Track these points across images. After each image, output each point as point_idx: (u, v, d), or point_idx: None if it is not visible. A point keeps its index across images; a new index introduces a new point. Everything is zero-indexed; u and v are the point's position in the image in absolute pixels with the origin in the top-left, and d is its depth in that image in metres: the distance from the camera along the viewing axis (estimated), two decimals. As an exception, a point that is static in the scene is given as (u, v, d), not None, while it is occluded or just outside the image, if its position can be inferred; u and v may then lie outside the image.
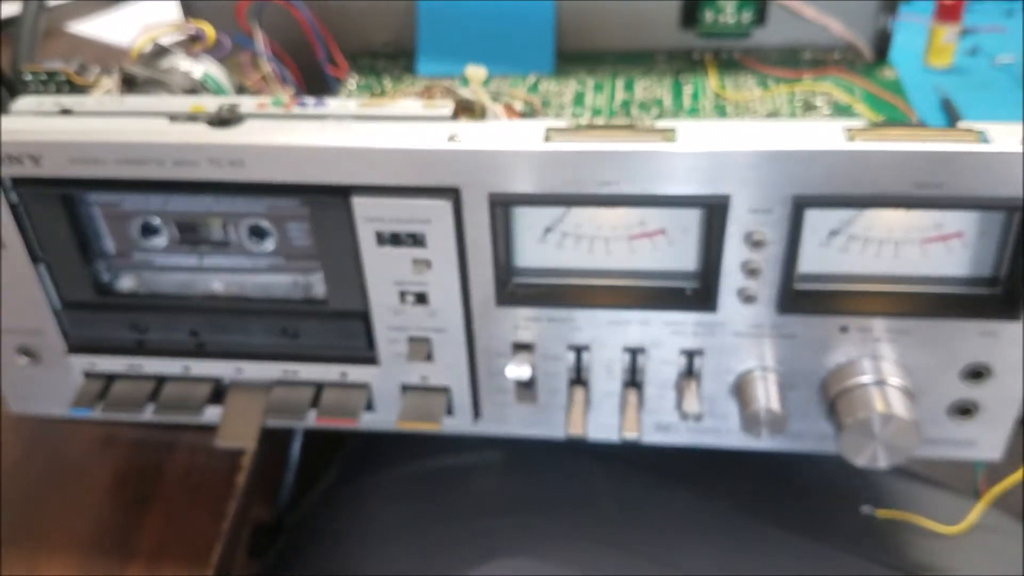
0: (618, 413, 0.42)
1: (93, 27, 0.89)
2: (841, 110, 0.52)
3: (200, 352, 0.42)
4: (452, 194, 0.36)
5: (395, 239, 0.37)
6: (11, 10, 0.86)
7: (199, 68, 0.46)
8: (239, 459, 0.44)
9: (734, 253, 0.37)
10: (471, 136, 0.36)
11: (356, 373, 0.42)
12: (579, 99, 0.57)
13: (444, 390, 0.42)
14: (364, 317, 0.40)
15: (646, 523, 0.44)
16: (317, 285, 0.41)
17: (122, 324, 0.42)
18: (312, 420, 0.42)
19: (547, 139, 0.36)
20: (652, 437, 0.43)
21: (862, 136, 0.36)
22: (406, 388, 0.42)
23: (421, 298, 0.39)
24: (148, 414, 0.42)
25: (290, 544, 0.49)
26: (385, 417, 0.43)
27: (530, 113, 0.56)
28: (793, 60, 0.57)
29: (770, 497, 0.46)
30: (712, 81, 0.57)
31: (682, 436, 0.43)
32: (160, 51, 0.47)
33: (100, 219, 0.41)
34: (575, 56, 0.59)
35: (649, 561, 0.43)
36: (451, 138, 0.36)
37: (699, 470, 0.46)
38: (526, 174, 0.35)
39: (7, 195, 0.38)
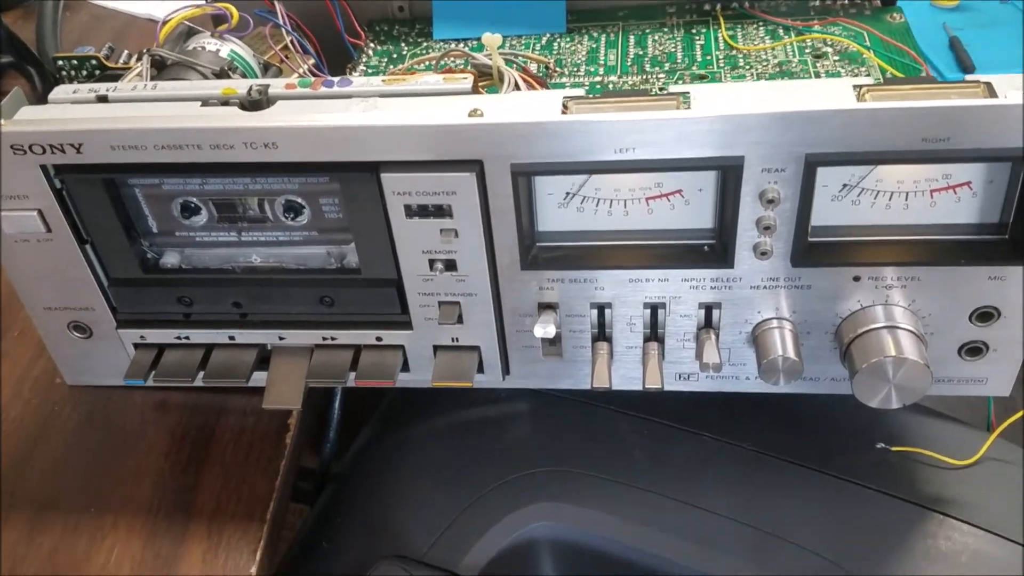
0: (640, 365, 0.44)
1: (112, -2, 0.90)
2: (850, 58, 0.53)
3: (244, 322, 0.45)
4: (476, 166, 0.38)
5: (423, 211, 0.39)
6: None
7: (225, 48, 0.47)
8: (287, 419, 0.46)
9: (749, 211, 0.38)
10: (492, 110, 0.37)
11: (391, 337, 0.44)
12: (592, 57, 0.58)
13: (474, 349, 0.44)
14: (397, 284, 0.42)
15: (673, 468, 0.47)
16: (350, 255, 0.43)
17: (168, 299, 0.44)
18: (351, 381, 0.45)
19: (564, 109, 0.38)
20: (674, 386, 0.45)
21: (872, 94, 0.37)
22: (438, 348, 0.45)
23: (450, 265, 0.41)
24: (198, 381, 0.45)
25: (334, 493, 0.52)
26: (420, 376, 0.45)
27: (545, 74, 0.57)
28: (802, 8, 0.57)
29: (789, 438, 0.48)
30: (722, 33, 0.58)
31: (702, 384, 0.45)
32: (186, 32, 0.49)
33: (142, 201, 0.43)
34: (587, 13, 0.60)
35: (679, 502, 0.45)
36: (472, 112, 0.37)
37: (720, 416, 0.48)
38: (546, 144, 0.37)
39: (51, 182, 0.40)
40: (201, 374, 0.45)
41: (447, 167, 0.38)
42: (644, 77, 0.55)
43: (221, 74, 0.45)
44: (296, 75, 0.41)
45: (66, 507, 0.43)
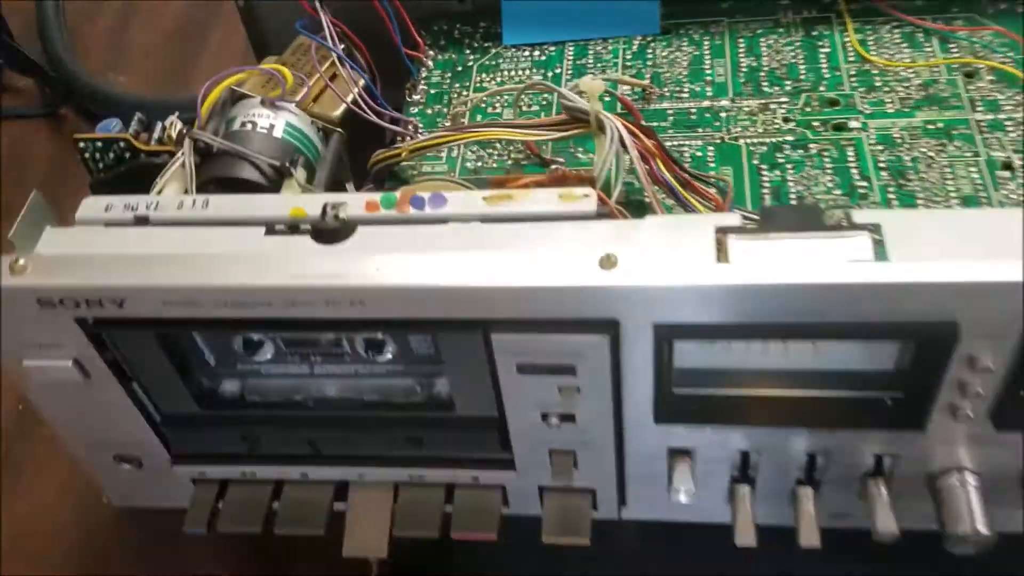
0: (787, 502, 0.37)
1: None
2: (1008, 79, 0.45)
3: (317, 458, 0.38)
4: (610, 328, 0.30)
5: (539, 368, 0.32)
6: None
7: (279, 121, 0.39)
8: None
9: (952, 373, 0.31)
10: (628, 256, 0.30)
11: (489, 477, 0.38)
12: (696, 71, 0.50)
13: (588, 492, 0.38)
14: (499, 425, 0.35)
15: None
16: (441, 384, 0.36)
17: (230, 436, 0.38)
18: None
19: (719, 254, 0.30)
20: (825, 523, 0.38)
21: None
22: (545, 491, 0.38)
23: (567, 418, 0.34)
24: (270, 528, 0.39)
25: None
26: (521, 511, 0.39)
27: (642, 96, 0.49)
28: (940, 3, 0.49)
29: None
30: (851, 38, 0.49)
31: (860, 522, 0.38)
32: (229, 97, 0.40)
33: (198, 340, 0.35)
34: (683, 7, 0.51)
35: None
36: (605, 261, 0.29)
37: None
38: (699, 306, 0.29)
39: (88, 333, 0.33)
40: (274, 506, 0.39)
41: (575, 328, 0.30)
42: (764, 102, 0.47)
43: (281, 171, 0.37)
44: (373, 197, 0.33)
45: None
